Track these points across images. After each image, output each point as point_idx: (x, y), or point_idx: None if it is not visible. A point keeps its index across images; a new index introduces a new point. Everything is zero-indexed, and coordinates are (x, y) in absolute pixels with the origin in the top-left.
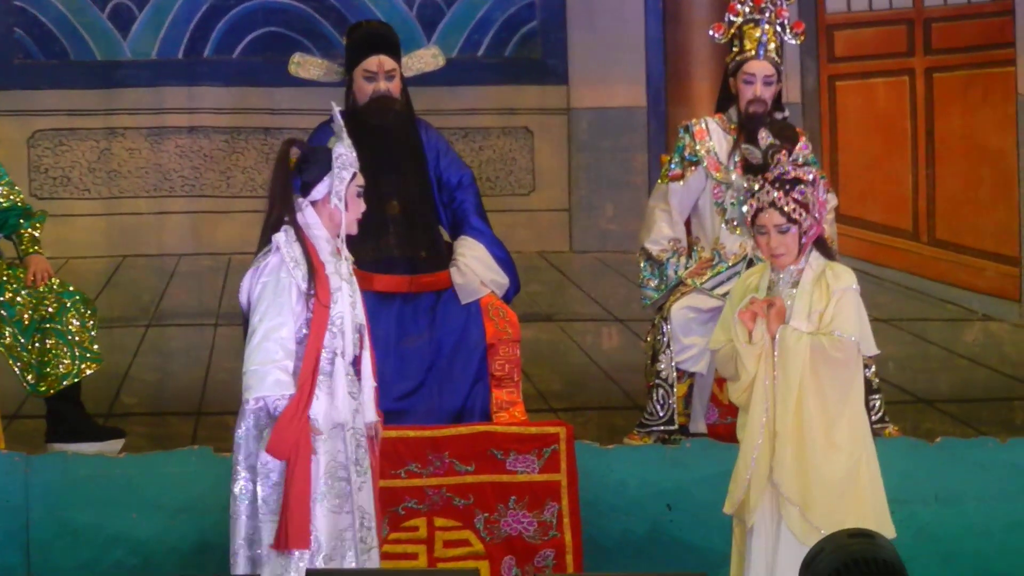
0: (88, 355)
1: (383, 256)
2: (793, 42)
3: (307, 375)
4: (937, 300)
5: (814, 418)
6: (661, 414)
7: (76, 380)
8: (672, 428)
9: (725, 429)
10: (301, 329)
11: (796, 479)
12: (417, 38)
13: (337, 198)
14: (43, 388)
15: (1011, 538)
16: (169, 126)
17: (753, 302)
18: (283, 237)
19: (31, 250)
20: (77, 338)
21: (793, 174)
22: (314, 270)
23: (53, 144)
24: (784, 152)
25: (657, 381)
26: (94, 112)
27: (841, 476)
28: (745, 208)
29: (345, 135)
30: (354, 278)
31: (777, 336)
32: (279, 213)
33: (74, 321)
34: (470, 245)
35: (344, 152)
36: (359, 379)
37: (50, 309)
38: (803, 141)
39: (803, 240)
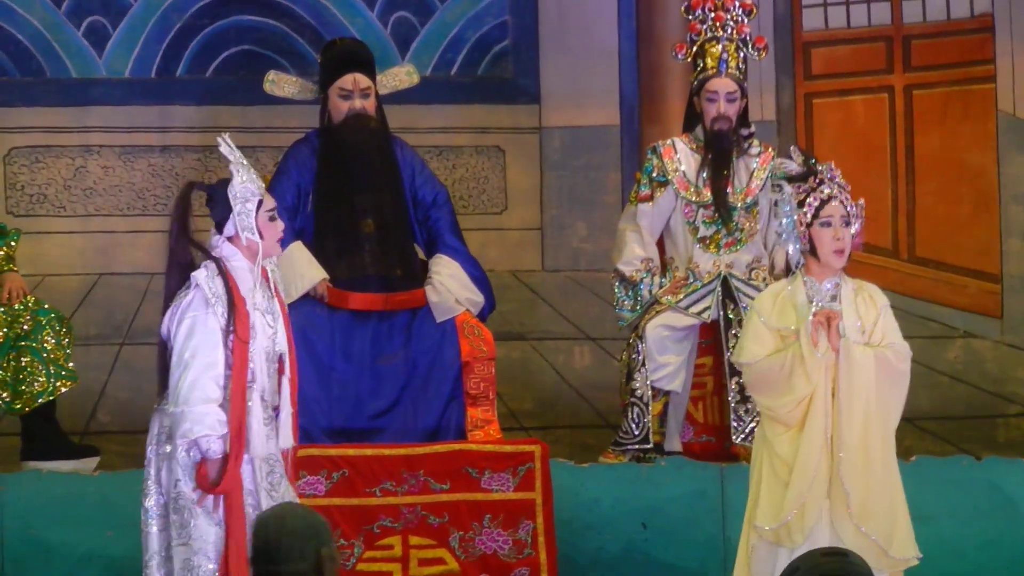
0: (63, 373)
1: (358, 274)
2: (756, 57)
3: (238, 414)
4: (918, 317)
5: (876, 432)
6: (636, 432)
7: (51, 398)
8: (647, 446)
9: (700, 447)
10: (226, 364)
11: (860, 493)
12: (391, 56)
13: (248, 232)
14: (18, 406)
15: (985, 557)
16: (142, 145)
17: (817, 314)
18: (203, 274)
19: (6, 268)
20: (52, 356)
21: (842, 182)
22: (234, 306)
23: (29, 161)
24: (825, 164)
25: (632, 399)
26: (69, 130)
27: (893, 490)
28: (803, 206)
29: (238, 166)
30: (276, 302)
31: (842, 349)
32: (179, 257)
33: (49, 339)
34: (445, 263)
35: (240, 186)
36: (278, 404)
37: (25, 327)
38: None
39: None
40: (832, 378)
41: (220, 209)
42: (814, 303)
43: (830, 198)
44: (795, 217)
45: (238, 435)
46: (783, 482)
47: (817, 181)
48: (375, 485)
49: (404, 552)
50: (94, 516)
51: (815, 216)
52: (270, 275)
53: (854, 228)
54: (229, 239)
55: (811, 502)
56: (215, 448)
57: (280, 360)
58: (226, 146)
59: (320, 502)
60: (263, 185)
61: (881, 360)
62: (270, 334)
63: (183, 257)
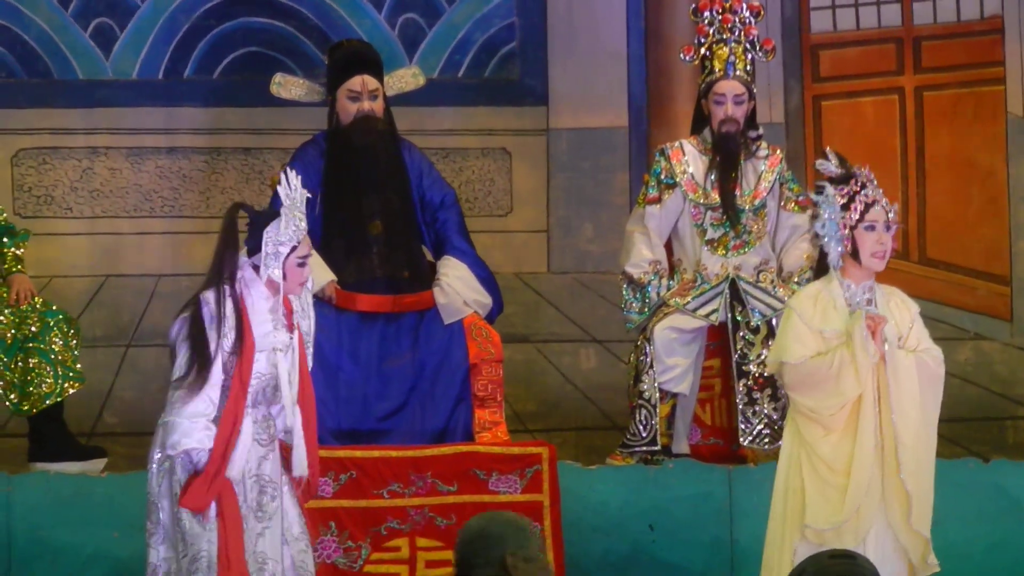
0: (71, 374)
1: (366, 276)
2: (763, 59)
3: (227, 432)
4: (928, 319)
5: (922, 436)
6: (644, 434)
7: (59, 399)
8: (655, 448)
9: (708, 449)
10: (222, 383)
11: (917, 496)
12: (398, 58)
13: (271, 272)
14: (26, 407)
15: (991, 559)
16: (149, 146)
17: (869, 317)
18: (212, 296)
19: (14, 269)
20: (60, 357)
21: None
22: (241, 330)
23: (36, 163)
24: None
25: (640, 402)
26: (76, 131)
27: (931, 492)
28: (847, 209)
29: (287, 211)
30: (295, 335)
31: (887, 354)
32: (220, 276)
33: (57, 340)
34: (453, 265)
35: (278, 232)
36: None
37: (33, 328)
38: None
39: None
40: (876, 382)
41: (255, 240)
42: (853, 307)
43: (875, 202)
44: (838, 219)
45: (224, 451)
46: (832, 484)
47: (860, 184)
48: (382, 487)
49: (411, 554)
50: (101, 517)
51: (860, 219)
52: (295, 307)
53: (894, 230)
54: (255, 267)
55: (867, 506)
56: (205, 460)
57: (276, 385)
58: (286, 184)
59: (327, 504)
60: (305, 229)
61: (922, 365)
62: (275, 361)
63: (220, 278)
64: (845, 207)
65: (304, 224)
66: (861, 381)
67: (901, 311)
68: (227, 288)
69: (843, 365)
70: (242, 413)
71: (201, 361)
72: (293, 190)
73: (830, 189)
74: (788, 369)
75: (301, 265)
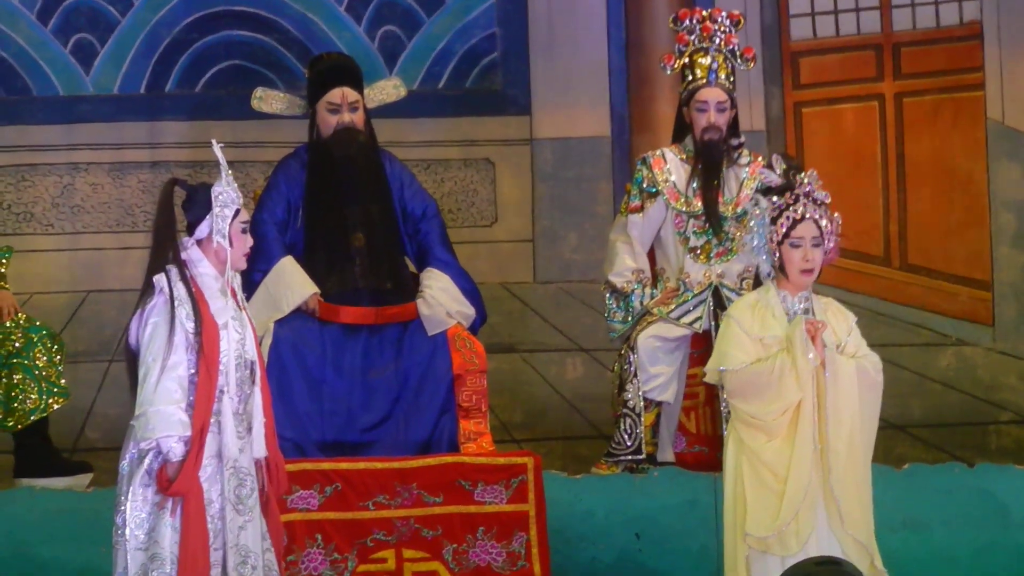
0: (55, 390)
1: (349, 288)
2: (743, 68)
3: (200, 415)
4: (910, 325)
5: (859, 442)
6: (629, 443)
7: (43, 415)
8: (640, 457)
9: (693, 457)
10: (190, 368)
11: (848, 502)
12: (379, 70)
13: (220, 236)
14: (10, 423)
15: (978, 564)
16: (131, 161)
17: (809, 322)
18: (164, 279)
19: None
20: (44, 373)
21: (820, 196)
22: (198, 310)
23: (16, 179)
24: (806, 173)
25: (624, 410)
26: (56, 147)
27: (870, 496)
28: (776, 223)
29: (225, 172)
30: (244, 314)
31: (827, 360)
32: (164, 253)
33: (41, 356)
34: (436, 276)
35: (224, 190)
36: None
37: (17, 344)
38: (811, 170)
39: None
40: (816, 387)
41: (197, 210)
42: (791, 315)
43: (802, 218)
44: (767, 233)
45: (199, 439)
46: (773, 490)
47: (793, 197)
48: (368, 498)
49: (398, 565)
50: (87, 533)
51: (786, 236)
52: (237, 290)
53: (828, 244)
54: (199, 242)
55: (806, 510)
56: (176, 450)
57: (252, 369)
58: (219, 152)
59: (313, 516)
60: (242, 197)
61: (861, 371)
62: (237, 339)
63: (166, 255)
64: (774, 221)
65: (240, 196)
66: (802, 385)
67: (838, 320)
68: (176, 270)
69: (784, 370)
70: (214, 392)
71: (168, 348)
72: (223, 158)
73: (763, 202)
74: (729, 376)
75: (244, 232)
